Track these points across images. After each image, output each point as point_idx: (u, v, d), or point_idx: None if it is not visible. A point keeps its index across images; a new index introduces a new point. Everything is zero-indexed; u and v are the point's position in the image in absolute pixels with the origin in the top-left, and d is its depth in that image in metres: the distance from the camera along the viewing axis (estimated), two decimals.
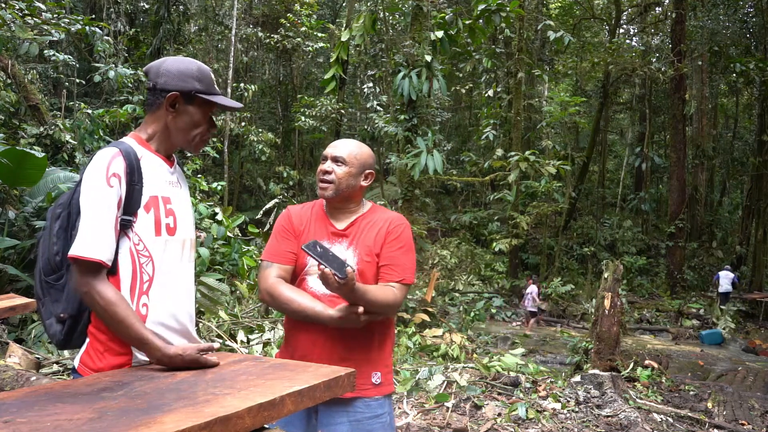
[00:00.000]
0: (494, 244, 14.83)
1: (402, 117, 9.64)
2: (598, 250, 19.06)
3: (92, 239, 1.53)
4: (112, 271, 1.59)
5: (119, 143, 1.67)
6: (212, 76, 1.76)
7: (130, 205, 1.61)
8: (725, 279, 14.83)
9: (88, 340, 1.63)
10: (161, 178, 1.70)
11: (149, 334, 1.51)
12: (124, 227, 1.61)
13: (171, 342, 1.61)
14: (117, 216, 1.58)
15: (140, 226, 1.63)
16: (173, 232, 1.71)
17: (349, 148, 2.08)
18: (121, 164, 1.60)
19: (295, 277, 2.09)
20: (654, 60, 18.34)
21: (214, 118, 1.80)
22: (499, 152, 15.01)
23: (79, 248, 1.52)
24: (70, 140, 7.81)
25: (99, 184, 1.57)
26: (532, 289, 13.04)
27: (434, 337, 8.04)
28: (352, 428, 1.98)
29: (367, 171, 2.10)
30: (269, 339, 5.54)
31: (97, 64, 10.60)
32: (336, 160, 2.05)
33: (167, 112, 1.69)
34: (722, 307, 14.17)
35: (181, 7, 14.46)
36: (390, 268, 2.01)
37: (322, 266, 1.72)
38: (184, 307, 1.74)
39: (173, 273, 1.71)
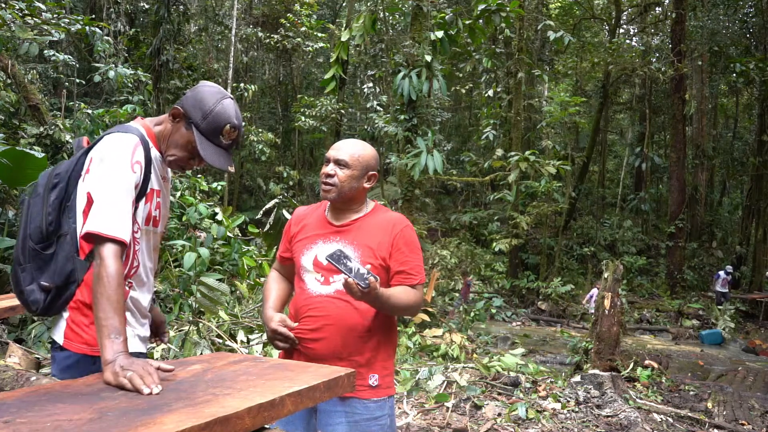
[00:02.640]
0: (494, 244, 14.83)
1: (402, 117, 9.64)
2: (598, 250, 19.06)
3: (119, 219, 1.57)
4: None
5: (135, 130, 1.72)
6: (228, 128, 1.73)
7: (138, 194, 1.68)
8: (719, 278, 15.02)
9: (67, 314, 1.67)
10: (157, 172, 1.78)
11: (125, 331, 1.49)
12: None
13: (138, 330, 1.74)
14: (132, 201, 1.65)
15: (138, 215, 1.70)
16: (157, 224, 1.82)
17: (351, 151, 2.07)
18: (141, 154, 1.68)
19: (297, 275, 2.15)
20: (654, 60, 18.34)
21: (198, 156, 1.77)
22: (499, 152, 15.00)
23: (105, 226, 1.54)
24: (70, 140, 7.80)
25: (124, 167, 1.62)
26: (594, 291, 13.03)
27: (434, 337, 8.04)
28: (350, 429, 1.98)
29: (370, 173, 2.09)
30: None
31: (97, 64, 10.59)
32: (338, 162, 2.05)
33: (169, 120, 1.77)
34: (719, 307, 14.20)
35: (181, 7, 14.44)
36: (406, 273, 2.04)
37: (345, 275, 1.76)
38: (150, 295, 1.84)
39: (149, 261, 1.80)
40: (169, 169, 1.86)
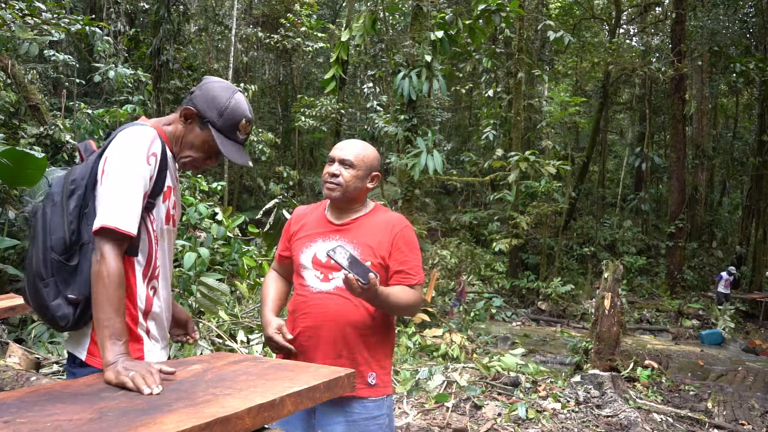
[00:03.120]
0: (494, 244, 14.82)
1: (402, 117, 9.64)
2: (598, 250, 19.05)
3: (125, 210, 1.51)
4: (132, 251, 1.58)
5: (149, 125, 1.68)
6: (243, 122, 1.72)
7: (155, 189, 1.63)
8: (721, 279, 15.02)
9: (90, 329, 1.59)
10: (173, 171, 1.74)
11: (126, 332, 1.47)
12: (147, 209, 1.62)
13: (156, 335, 1.69)
14: (145, 194, 1.59)
15: (156, 212, 1.66)
16: (174, 224, 1.78)
17: (356, 151, 2.09)
18: (158, 146, 1.63)
19: (295, 273, 2.15)
20: (654, 60, 18.34)
21: (216, 154, 1.76)
22: (499, 152, 14.99)
23: (113, 219, 1.48)
24: (70, 140, 7.80)
25: (139, 159, 1.56)
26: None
27: (434, 337, 8.04)
28: (348, 428, 1.99)
29: (374, 173, 2.12)
30: None
31: (97, 64, 10.60)
32: (343, 162, 2.06)
33: (179, 121, 1.72)
34: (720, 307, 14.19)
35: (181, 7, 14.44)
36: (406, 273, 2.05)
37: (345, 271, 1.75)
38: (170, 295, 1.80)
39: (168, 262, 1.76)
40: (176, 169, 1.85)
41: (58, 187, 1.64)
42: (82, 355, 1.60)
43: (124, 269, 1.55)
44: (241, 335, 5.54)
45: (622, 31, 23.75)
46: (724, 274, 15.16)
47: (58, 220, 1.58)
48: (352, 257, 1.80)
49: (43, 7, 7.35)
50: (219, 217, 7.53)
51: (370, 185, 2.11)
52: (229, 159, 1.70)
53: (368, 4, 10.00)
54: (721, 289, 14.96)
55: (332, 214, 2.13)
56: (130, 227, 1.51)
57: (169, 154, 1.71)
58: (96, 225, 1.49)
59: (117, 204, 1.50)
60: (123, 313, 1.47)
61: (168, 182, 1.68)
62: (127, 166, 1.55)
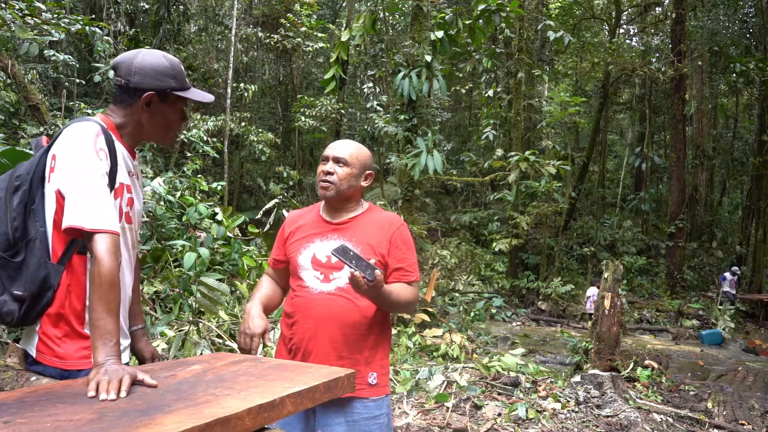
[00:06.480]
0: (494, 244, 14.82)
1: (402, 117, 9.64)
2: (598, 250, 19.05)
3: (101, 209, 1.49)
4: (83, 250, 1.56)
5: (94, 120, 1.64)
6: (182, 67, 1.74)
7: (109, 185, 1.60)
8: (725, 280, 15.00)
9: (38, 326, 1.59)
10: (124, 167, 1.69)
11: (118, 332, 1.45)
12: None
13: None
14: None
15: None
16: (130, 221, 1.73)
17: (350, 149, 2.10)
18: (104, 142, 1.59)
19: (293, 275, 2.14)
20: (654, 60, 18.35)
21: (185, 110, 1.80)
22: (499, 152, 14.99)
23: (88, 220, 1.46)
24: None
25: (90, 156, 1.53)
26: (593, 291, 12.90)
27: (434, 337, 8.04)
28: (349, 428, 1.99)
29: (367, 172, 2.13)
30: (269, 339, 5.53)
31: (97, 64, 10.59)
32: (338, 161, 2.07)
33: (142, 110, 1.68)
34: (720, 307, 14.19)
35: (181, 7, 14.44)
36: (404, 270, 2.07)
37: (351, 269, 1.76)
38: (127, 295, 1.75)
39: (125, 261, 1.71)
40: (137, 165, 1.80)
41: (3, 183, 1.62)
42: (33, 352, 1.60)
43: (76, 267, 1.56)
44: None
45: (622, 31, 23.76)
46: (727, 274, 15.13)
47: (1, 217, 1.57)
48: (356, 255, 1.80)
49: (43, 7, 7.34)
50: (219, 217, 7.53)
51: (364, 183, 2.12)
52: (206, 101, 1.75)
53: (368, 4, 9.99)
54: (726, 288, 14.94)
55: (328, 214, 2.14)
56: (112, 225, 1.50)
57: (121, 149, 1.67)
58: (76, 225, 1.46)
59: (93, 204, 1.48)
60: (116, 313, 1.45)
61: (121, 179, 1.65)
62: (86, 165, 1.52)
